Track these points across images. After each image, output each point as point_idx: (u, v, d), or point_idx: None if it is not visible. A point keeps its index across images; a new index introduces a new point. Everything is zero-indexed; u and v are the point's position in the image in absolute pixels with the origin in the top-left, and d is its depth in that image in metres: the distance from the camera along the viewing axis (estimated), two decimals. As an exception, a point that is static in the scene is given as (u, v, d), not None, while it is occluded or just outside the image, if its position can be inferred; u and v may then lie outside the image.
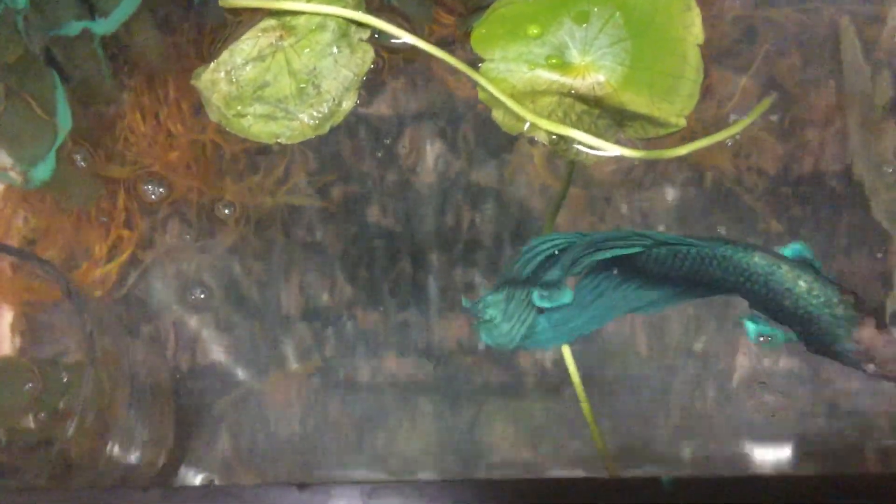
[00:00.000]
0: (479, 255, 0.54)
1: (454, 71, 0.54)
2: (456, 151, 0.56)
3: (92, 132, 0.56)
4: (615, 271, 0.47)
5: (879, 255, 0.52)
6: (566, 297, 0.46)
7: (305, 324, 0.54)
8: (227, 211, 0.55)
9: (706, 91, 0.55)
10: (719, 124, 0.55)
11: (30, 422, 0.48)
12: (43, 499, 0.24)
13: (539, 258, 0.47)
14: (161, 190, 0.55)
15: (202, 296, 0.54)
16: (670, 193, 0.55)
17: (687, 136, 0.54)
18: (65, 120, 0.52)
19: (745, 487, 0.24)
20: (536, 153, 0.55)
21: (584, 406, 0.47)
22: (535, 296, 0.46)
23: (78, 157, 0.54)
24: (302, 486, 0.25)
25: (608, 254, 0.46)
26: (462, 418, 0.52)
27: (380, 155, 0.56)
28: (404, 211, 0.55)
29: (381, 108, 0.56)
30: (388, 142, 0.56)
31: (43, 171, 0.51)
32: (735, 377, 0.52)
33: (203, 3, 0.57)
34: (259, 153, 0.55)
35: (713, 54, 0.56)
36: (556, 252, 0.47)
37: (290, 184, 0.55)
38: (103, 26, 0.52)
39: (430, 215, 0.55)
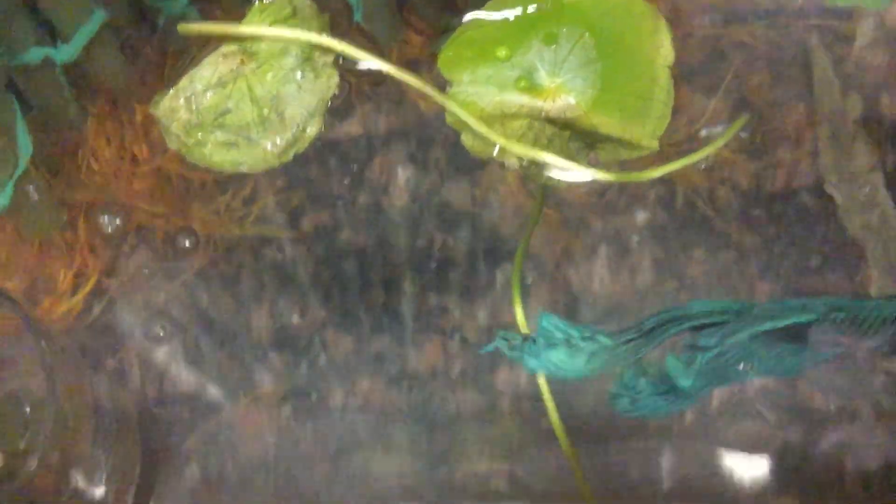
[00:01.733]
0: (451, 277, 0.54)
1: (424, 93, 0.54)
2: (426, 173, 0.55)
3: (54, 159, 0.55)
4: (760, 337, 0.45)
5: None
6: (687, 380, 0.44)
7: (275, 352, 0.53)
8: (187, 242, 0.54)
9: (676, 110, 0.55)
10: (690, 143, 0.55)
11: (-9, 458, 0.47)
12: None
13: (683, 320, 0.45)
14: (117, 221, 0.54)
15: (168, 325, 0.54)
16: (643, 213, 0.55)
17: (658, 154, 0.54)
18: (25, 147, 0.51)
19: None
20: (510, 172, 0.54)
21: (561, 437, 0.47)
22: (670, 363, 0.44)
23: (35, 185, 0.53)
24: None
25: (779, 323, 0.44)
26: (437, 445, 0.51)
27: (347, 181, 0.55)
28: (374, 234, 0.54)
29: (349, 132, 0.56)
30: (355, 167, 0.55)
31: (1, 198, 0.50)
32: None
33: (168, 25, 0.56)
34: (227, 179, 0.55)
35: (683, 73, 0.56)
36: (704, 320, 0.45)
37: (258, 207, 0.55)
38: (65, 52, 0.52)
39: (401, 238, 0.54)
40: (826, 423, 0.51)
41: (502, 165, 0.53)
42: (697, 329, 0.45)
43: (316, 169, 0.55)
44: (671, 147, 0.54)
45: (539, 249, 0.54)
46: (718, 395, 0.51)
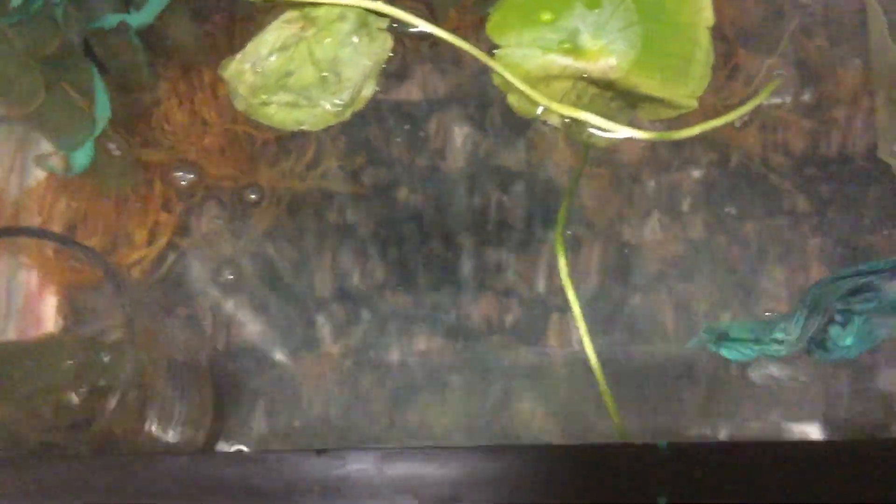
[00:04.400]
0: (503, 235, 0.55)
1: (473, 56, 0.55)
2: (478, 134, 0.56)
3: (130, 120, 0.57)
4: None
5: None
6: (846, 341, 0.47)
7: (338, 304, 0.55)
8: (253, 196, 0.56)
9: (733, 71, 0.56)
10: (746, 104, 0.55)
11: (73, 399, 0.49)
12: (79, 467, 0.26)
13: (838, 288, 0.47)
14: (191, 176, 0.56)
15: (236, 277, 0.56)
16: (696, 173, 0.55)
17: (711, 116, 0.54)
18: (103, 109, 0.53)
19: (744, 453, 0.25)
20: (560, 135, 0.55)
21: (601, 384, 0.48)
22: (832, 332, 0.47)
23: (114, 144, 0.56)
24: (320, 452, 0.27)
25: None
26: (490, 397, 0.53)
27: (400, 140, 0.57)
28: (425, 193, 0.56)
29: (403, 94, 0.57)
30: (408, 127, 0.57)
31: (83, 157, 0.53)
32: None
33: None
34: (290, 139, 0.57)
35: (739, 35, 0.56)
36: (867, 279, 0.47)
37: (322, 168, 0.57)
38: (138, 18, 0.54)
39: (454, 197, 0.56)
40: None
41: (545, 125, 0.54)
42: (853, 293, 0.47)
43: (373, 129, 0.57)
44: (727, 108, 0.55)
45: (592, 207, 0.55)
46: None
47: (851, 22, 0.56)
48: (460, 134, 0.57)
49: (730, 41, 0.56)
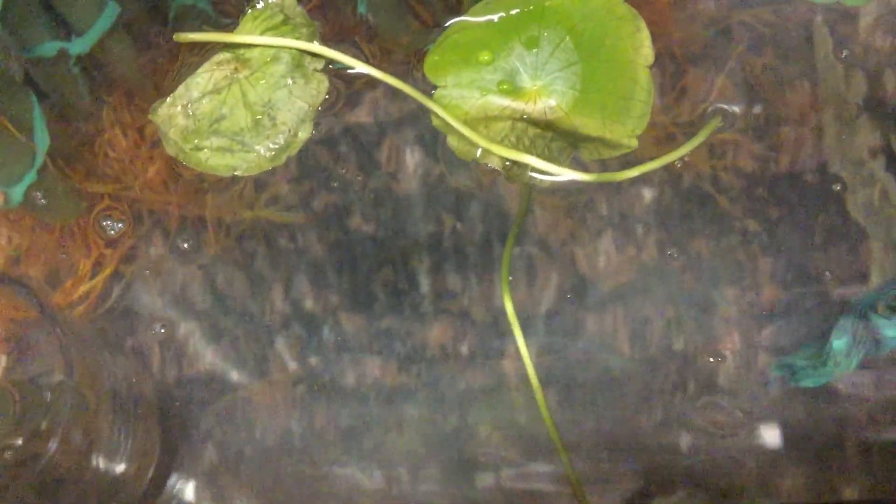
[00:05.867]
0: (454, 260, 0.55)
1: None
2: (426, 164, 0.56)
3: (71, 149, 0.56)
4: None
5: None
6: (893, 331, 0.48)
7: (289, 333, 0.54)
8: (185, 245, 0.55)
9: (682, 92, 0.56)
10: (696, 124, 0.55)
11: (16, 441, 0.48)
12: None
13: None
14: (120, 225, 0.55)
15: (185, 309, 0.55)
16: (648, 195, 0.55)
17: (663, 138, 0.54)
18: (42, 139, 0.52)
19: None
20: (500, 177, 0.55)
21: (544, 413, 0.48)
22: (874, 320, 0.49)
23: (53, 175, 0.55)
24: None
25: None
26: (446, 422, 0.52)
27: (345, 170, 0.56)
28: (380, 218, 0.55)
29: (344, 131, 0.57)
30: (352, 159, 0.56)
31: (21, 190, 0.52)
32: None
33: (179, 17, 0.57)
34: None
35: (689, 55, 0.56)
36: None
37: (269, 194, 0.56)
38: (78, 46, 0.53)
39: (407, 224, 0.55)
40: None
41: (485, 167, 0.54)
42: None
43: (324, 155, 0.56)
44: (677, 128, 0.54)
45: (545, 230, 0.54)
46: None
47: (799, 41, 0.56)
48: (411, 160, 0.56)
49: (679, 61, 0.56)
